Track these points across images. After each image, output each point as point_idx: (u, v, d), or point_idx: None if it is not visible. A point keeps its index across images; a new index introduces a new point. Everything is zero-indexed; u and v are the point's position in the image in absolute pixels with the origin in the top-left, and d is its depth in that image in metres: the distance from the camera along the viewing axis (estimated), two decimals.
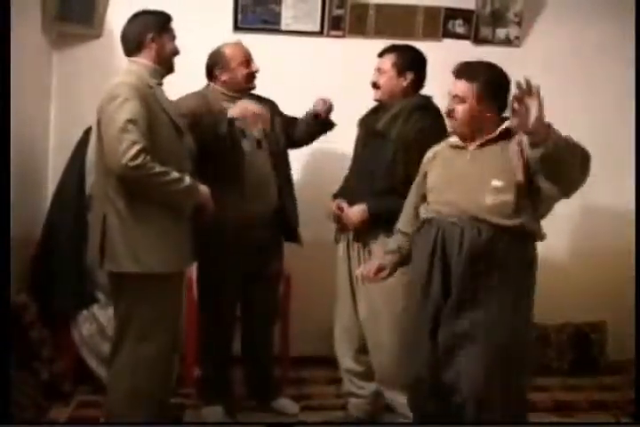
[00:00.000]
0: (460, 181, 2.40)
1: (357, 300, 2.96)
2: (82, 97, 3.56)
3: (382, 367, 2.90)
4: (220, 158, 2.90)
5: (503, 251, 2.32)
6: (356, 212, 2.85)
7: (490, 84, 2.38)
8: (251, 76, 3.06)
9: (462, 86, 2.39)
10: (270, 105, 3.16)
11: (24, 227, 3.24)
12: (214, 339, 3.12)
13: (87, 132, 3.34)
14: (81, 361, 3.31)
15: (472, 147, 2.43)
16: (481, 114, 2.39)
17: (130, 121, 2.41)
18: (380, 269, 2.60)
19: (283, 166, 3.14)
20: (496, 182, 2.33)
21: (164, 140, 2.54)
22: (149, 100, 2.51)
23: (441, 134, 2.66)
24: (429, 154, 2.56)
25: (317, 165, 3.35)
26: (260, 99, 3.15)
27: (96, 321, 3.32)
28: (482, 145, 2.41)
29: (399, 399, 2.86)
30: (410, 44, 2.98)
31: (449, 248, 2.37)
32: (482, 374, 2.32)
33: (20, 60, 2.89)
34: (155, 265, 2.52)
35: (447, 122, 2.53)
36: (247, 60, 3.05)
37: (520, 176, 2.30)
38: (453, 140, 2.50)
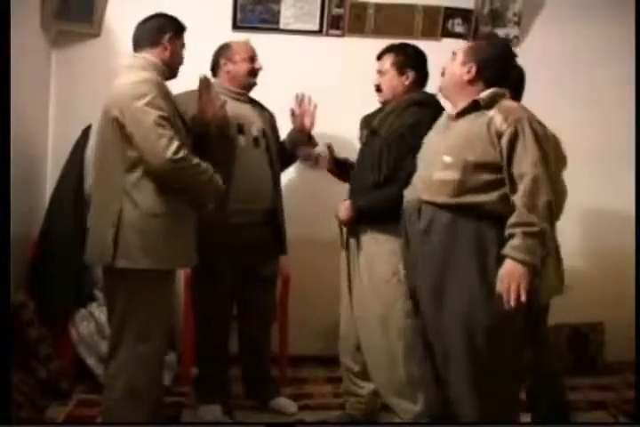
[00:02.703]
0: (426, 157, 2.41)
1: (352, 299, 2.96)
2: (80, 96, 3.57)
3: (375, 369, 2.89)
4: (213, 154, 2.88)
5: (447, 231, 2.29)
6: (342, 208, 2.87)
7: (478, 49, 2.38)
8: (253, 72, 3.08)
9: (460, 45, 2.44)
10: (269, 115, 3.20)
11: (22, 226, 3.25)
12: (210, 338, 3.12)
13: (85, 132, 3.35)
14: (79, 360, 3.31)
15: (451, 117, 2.41)
16: (460, 77, 2.38)
17: (163, 117, 2.45)
18: None
19: (276, 169, 3.15)
20: (446, 158, 2.31)
21: (180, 138, 2.55)
22: (168, 98, 2.54)
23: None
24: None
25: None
26: (261, 107, 3.18)
27: (94, 320, 3.32)
28: (458, 116, 2.38)
29: (395, 403, 2.86)
30: (407, 43, 2.97)
31: (408, 234, 2.42)
32: (458, 370, 2.33)
33: (19, 58, 2.89)
34: (171, 261, 2.55)
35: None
36: (252, 57, 3.08)
37: (472, 157, 2.26)
38: (448, 110, 2.49)
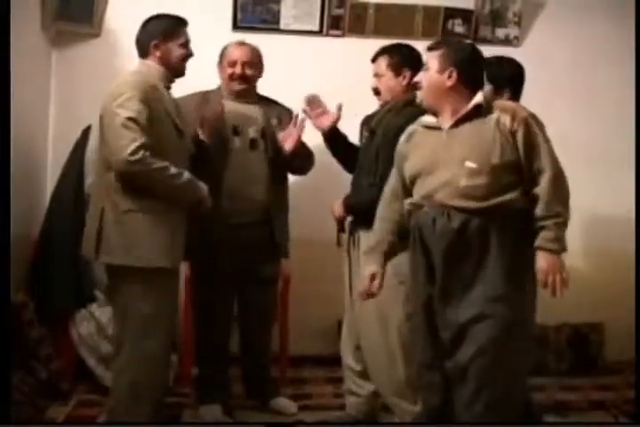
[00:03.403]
0: (438, 166, 2.38)
1: (352, 298, 2.96)
2: (80, 96, 3.57)
3: (374, 369, 2.89)
4: (204, 155, 2.91)
5: (479, 233, 2.30)
6: (335, 206, 2.90)
7: (452, 53, 2.37)
8: (233, 77, 3.04)
9: (428, 55, 2.42)
10: (286, 113, 3.16)
11: (23, 226, 3.25)
12: (210, 338, 3.12)
13: (85, 132, 3.35)
14: (79, 360, 3.31)
15: (446, 126, 2.39)
16: (442, 84, 2.36)
17: (130, 119, 2.46)
18: (372, 279, 2.53)
19: (279, 171, 3.13)
20: (470, 164, 2.31)
21: (164, 139, 2.57)
22: (152, 99, 2.54)
23: None
24: (404, 136, 2.53)
25: (318, 165, 3.34)
26: (276, 104, 3.17)
27: (94, 320, 3.32)
28: (456, 124, 2.37)
29: (395, 403, 2.86)
30: (400, 43, 2.96)
31: (426, 239, 2.38)
32: (481, 366, 2.30)
33: (19, 58, 2.89)
34: (147, 259, 2.54)
35: (417, 94, 2.49)
36: (234, 61, 3.04)
37: (496, 159, 2.29)
38: (427, 119, 2.46)
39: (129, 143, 2.43)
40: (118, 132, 2.45)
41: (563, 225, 2.30)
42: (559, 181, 2.31)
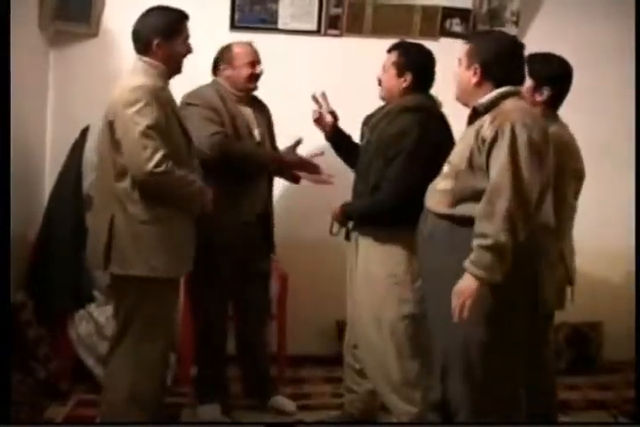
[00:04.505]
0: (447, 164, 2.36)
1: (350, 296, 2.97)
2: (78, 96, 3.57)
3: (370, 369, 2.89)
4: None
5: (446, 242, 2.23)
6: (335, 209, 2.90)
7: (478, 49, 2.29)
8: (253, 77, 3.09)
9: (462, 48, 2.35)
10: (265, 109, 3.22)
11: (22, 226, 3.24)
12: (210, 338, 3.13)
13: (84, 132, 3.34)
14: (78, 360, 3.31)
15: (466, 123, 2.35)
16: (469, 81, 2.29)
17: (151, 127, 2.42)
18: None
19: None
20: (445, 168, 2.28)
21: (175, 144, 2.55)
22: (164, 104, 2.51)
23: (423, 138, 2.62)
24: None
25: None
26: (256, 100, 3.20)
27: (93, 320, 3.32)
28: (470, 121, 2.31)
29: (392, 403, 2.85)
30: (416, 43, 2.91)
31: (417, 235, 2.41)
32: (450, 381, 2.31)
33: (16, 58, 2.88)
34: (164, 269, 2.52)
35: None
36: (253, 62, 3.08)
37: (463, 164, 2.20)
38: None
39: (152, 154, 2.40)
40: (140, 141, 2.40)
41: (490, 249, 2.06)
42: (495, 198, 2.08)
